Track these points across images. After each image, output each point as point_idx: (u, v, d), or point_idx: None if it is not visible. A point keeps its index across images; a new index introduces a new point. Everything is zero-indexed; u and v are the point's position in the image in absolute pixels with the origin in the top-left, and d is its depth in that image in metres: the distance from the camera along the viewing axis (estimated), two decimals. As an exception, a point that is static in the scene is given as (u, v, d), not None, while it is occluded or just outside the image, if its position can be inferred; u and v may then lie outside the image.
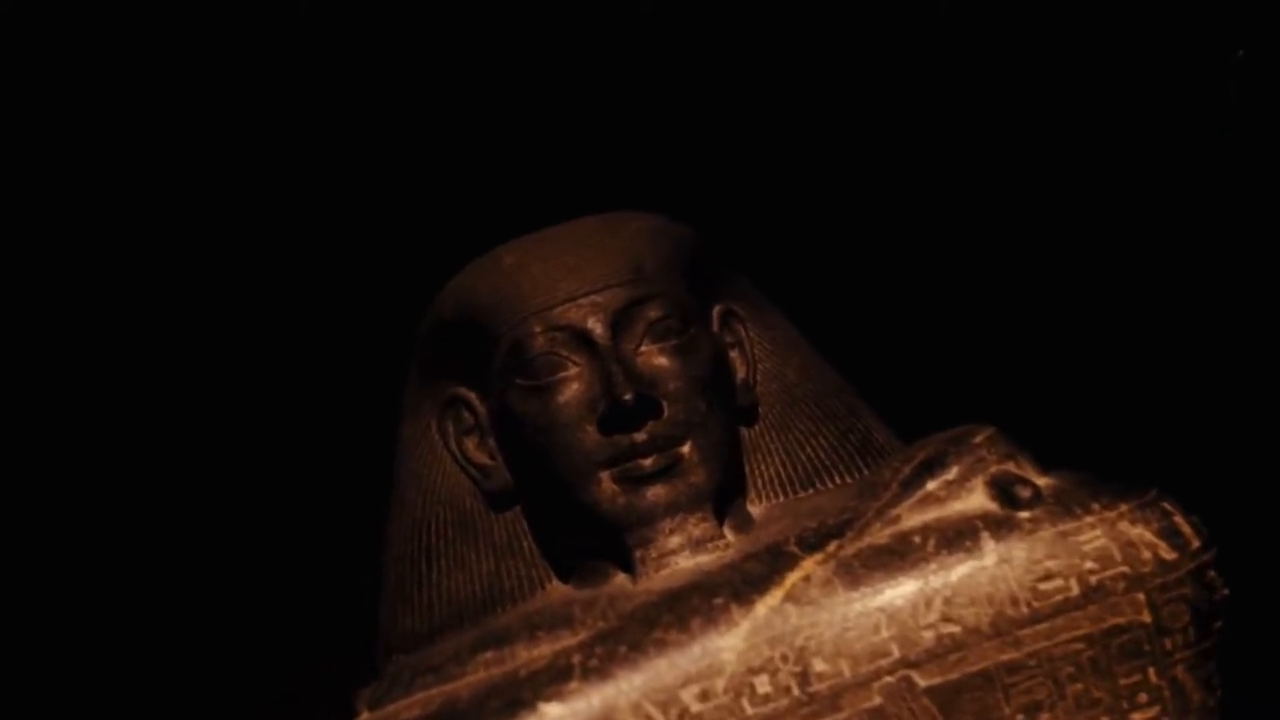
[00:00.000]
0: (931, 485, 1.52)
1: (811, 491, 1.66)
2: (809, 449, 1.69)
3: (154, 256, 2.33)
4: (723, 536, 1.57)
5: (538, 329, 1.59)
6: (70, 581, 2.34)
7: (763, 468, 1.68)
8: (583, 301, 1.59)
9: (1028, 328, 2.36)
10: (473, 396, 1.68)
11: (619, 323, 1.58)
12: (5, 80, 2.18)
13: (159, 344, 2.34)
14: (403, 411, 1.74)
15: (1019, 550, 1.44)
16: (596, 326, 1.58)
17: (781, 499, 1.66)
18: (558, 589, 1.64)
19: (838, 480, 1.67)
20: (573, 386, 1.57)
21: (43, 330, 2.31)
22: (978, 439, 1.55)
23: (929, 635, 1.41)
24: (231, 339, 2.37)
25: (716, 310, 1.70)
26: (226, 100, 2.28)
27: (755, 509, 1.65)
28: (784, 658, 1.41)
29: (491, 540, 1.67)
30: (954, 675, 1.41)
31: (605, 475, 1.55)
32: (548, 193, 1.97)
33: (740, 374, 1.69)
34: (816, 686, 1.40)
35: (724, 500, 1.59)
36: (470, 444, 1.68)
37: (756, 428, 1.69)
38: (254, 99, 2.27)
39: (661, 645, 1.43)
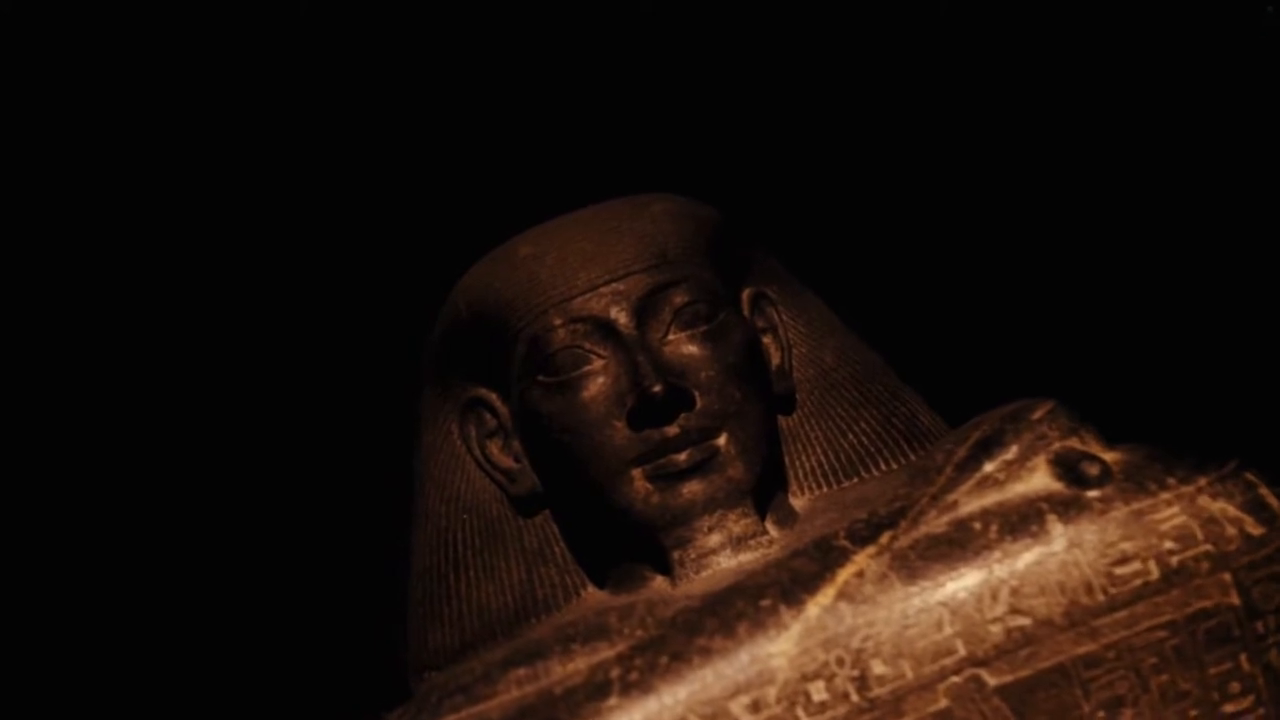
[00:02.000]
0: (989, 467, 1.46)
1: (857, 481, 1.63)
2: (851, 436, 1.65)
3: (154, 261, 2.32)
4: (765, 533, 1.53)
5: (558, 322, 1.55)
6: (78, 589, 2.34)
7: (803, 458, 1.65)
8: (604, 290, 1.55)
9: (1075, 296, 2.31)
10: (493, 397, 1.65)
11: (644, 310, 1.55)
12: (5, 80, 2.19)
13: (160, 354, 2.35)
14: (421, 416, 1.71)
15: (1090, 533, 1.39)
16: (620, 316, 1.54)
17: (825, 490, 1.63)
18: (593, 596, 1.61)
19: (884, 467, 1.64)
20: (598, 381, 1.54)
21: (53, 344, 2.32)
22: (1036, 414, 1.49)
23: (997, 630, 1.36)
24: (238, 349, 2.36)
25: (746, 293, 1.67)
26: (228, 96, 2.28)
27: (798, 502, 1.62)
28: (840, 661, 1.36)
29: (521, 547, 1.65)
30: (1026, 672, 1.35)
31: (637, 473, 1.52)
32: (562, 184, 1.93)
33: (775, 360, 1.66)
34: (877, 691, 1.35)
35: (764, 494, 1.55)
36: (494, 447, 1.65)
37: (795, 416, 1.66)
38: (257, 83, 2.27)
39: (706, 654, 1.38)
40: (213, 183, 2.31)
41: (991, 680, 1.35)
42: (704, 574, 1.49)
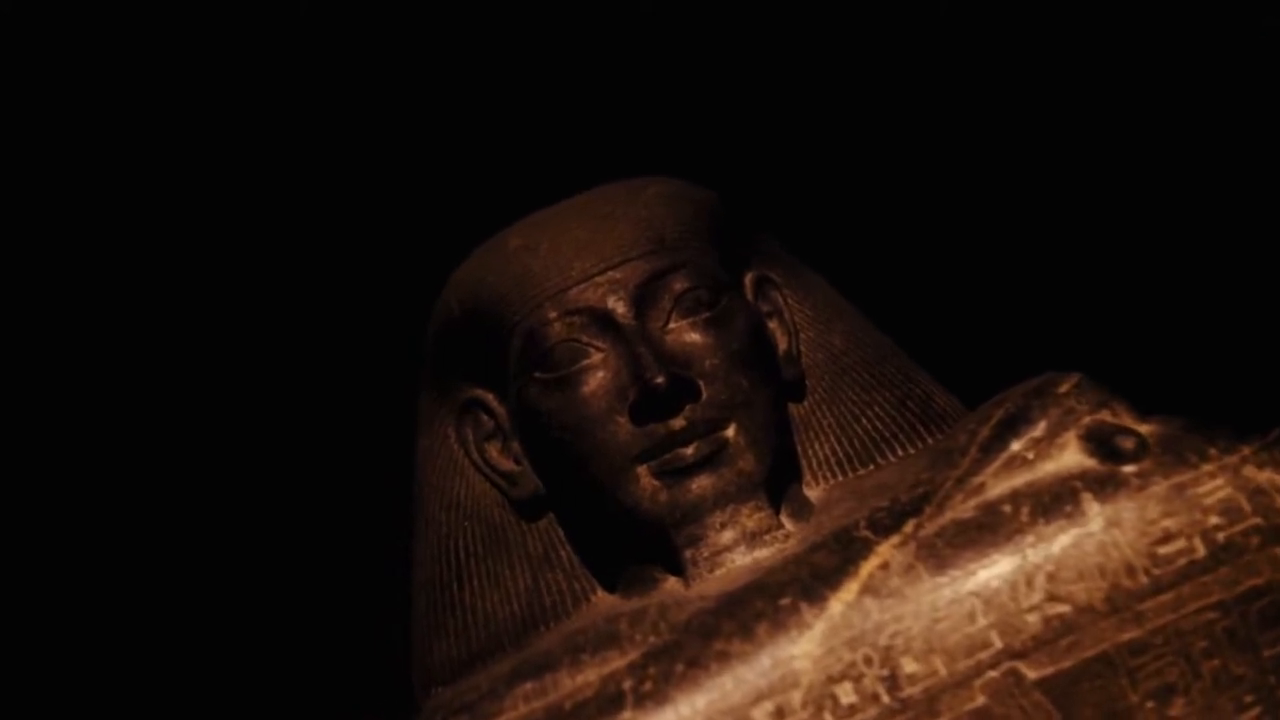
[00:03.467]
0: (1016, 445, 1.42)
1: (873, 467, 1.60)
2: (865, 420, 1.62)
3: (150, 262, 2.35)
4: (781, 526, 1.50)
5: (553, 315, 1.53)
6: (81, 598, 2.35)
7: (816, 446, 1.61)
8: (600, 279, 1.53)
9: (1091, 266, 2.31)
10: (490, 397, 1.63)
11: (643, 299, 1.52)
12: (5, 80, 2.23)
13: (157, 357, 2.36)
14: (419, 420, 1.69)
15: (1129, 510, 1.35)
16: (618, 305, 1.51)
17: (841, 479, 1.60)
18: (603, 601, 1.58)
19: (900, 452, 1.61)
20: (598, 375, 1.51)
21: (52, 345, 2.35)
22: (1063, 388, 1.46)
23: (1034, 619, 1.32)
24: (236, 352, 2.37)
25: (749, 278, 1.65)
26: (226, 95, 2.30)
27: (813, 493, 1.58)
28: (868, 660, 1.33)
29: (525, 553, 1.62)
30: (1068, 663, 1.32)
31: (643, 470, 1.49)
32: (558, 174, 1.93)
33: (782, 345, 1.63)
34: (909, 690, 1.32)
35: (777, 486, 1.52)
36: (492, 449, 1.63)
37: (805, 403, 1.63)
38: (254, 81, 2.29)
39: (724, 659, 1.35)
40: (209, 183, 2.32)
41: (1031, 673, 1.31)
42: (718, 573, 1.46)
